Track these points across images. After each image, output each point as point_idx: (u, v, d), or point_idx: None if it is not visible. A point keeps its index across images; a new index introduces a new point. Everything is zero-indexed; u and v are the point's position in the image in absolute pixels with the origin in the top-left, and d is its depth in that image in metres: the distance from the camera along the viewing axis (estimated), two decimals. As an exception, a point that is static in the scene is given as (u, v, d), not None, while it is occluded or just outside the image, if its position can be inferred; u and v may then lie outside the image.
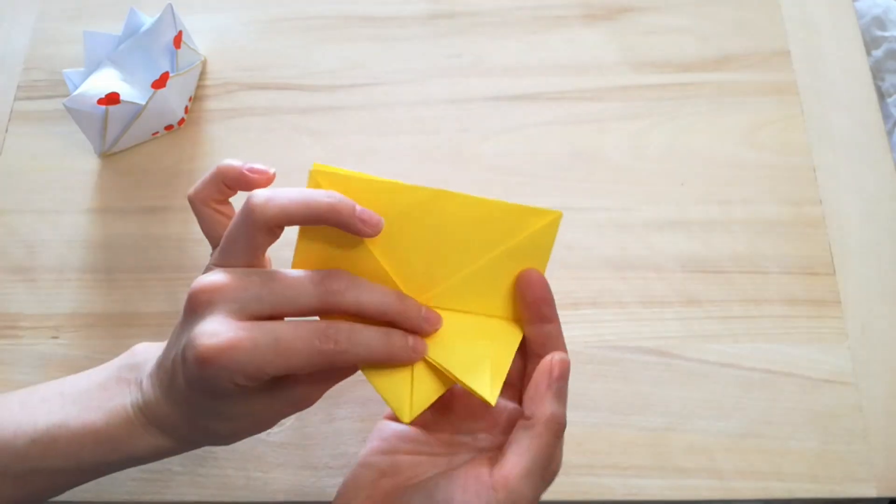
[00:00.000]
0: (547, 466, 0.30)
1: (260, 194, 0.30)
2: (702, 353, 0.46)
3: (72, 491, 0.44)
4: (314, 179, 0.32)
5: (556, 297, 0.35)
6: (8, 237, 0.52)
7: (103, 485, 0.44)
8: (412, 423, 0.34)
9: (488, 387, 0.32)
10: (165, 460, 0.44)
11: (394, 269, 0.33)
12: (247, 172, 0.33)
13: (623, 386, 0.45)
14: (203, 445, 0.35)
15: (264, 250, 0.31)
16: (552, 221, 0.34)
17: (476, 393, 0.32)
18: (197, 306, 0.30)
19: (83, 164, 0.54)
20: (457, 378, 0.32)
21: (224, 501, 0.44)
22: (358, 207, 0.30)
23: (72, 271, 0.50)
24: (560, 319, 0.34)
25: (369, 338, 0.31)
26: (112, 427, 0.32)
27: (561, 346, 0.34)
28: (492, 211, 0.33)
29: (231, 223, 0.31)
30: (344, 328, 0.30)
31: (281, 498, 0.44)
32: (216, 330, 0.29)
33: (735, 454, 0.43)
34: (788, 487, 0.43)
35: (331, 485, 0.44)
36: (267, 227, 0.30)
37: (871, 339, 0.46)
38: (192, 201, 0.34)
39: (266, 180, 0.33)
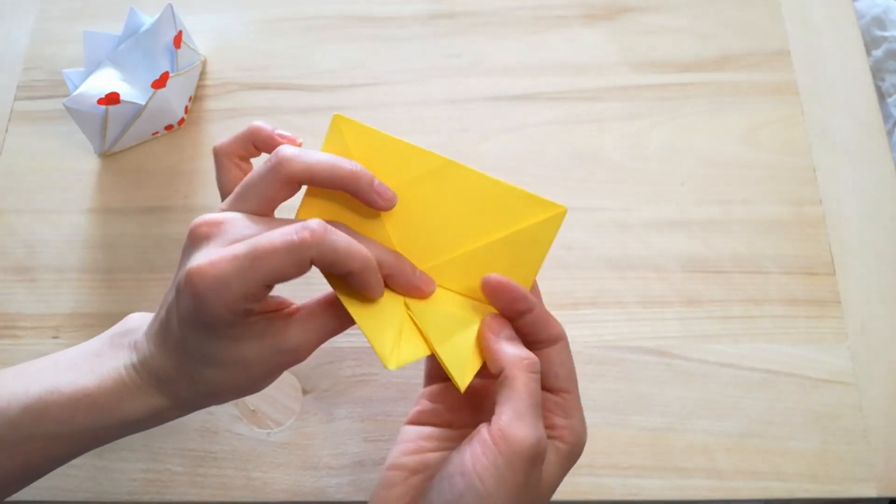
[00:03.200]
0: (536, 404, 0.30)
1: (289, 148, 0.31)
2: (702, 353, 0.46)
3: (72, 491, 0.44)
4: (336, 126, 0.33)
5: (555, 297, 0.35)
6: (8, 237, 0.52)
7: (103, 485, 0.44)
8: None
9: (461, 374, 0.33)
10: (165, 460, 0.45)
11: (395, 234, 0.34)
12: (276, 136, 0.35)
13: (623, 386, 0.45)
14: (198, 405, 0.34)
15: (277, 203, 0.32)
16: (556, 216, 0.34)
17: (451, 376, 0.32)
18: (195, 239, 0.31)
19: (83, 164, 0.54)
20: (437, 355, 0.33)
21: (224, 501, 0.44)
22: (376, 181, 0.32)
23: (72, 271, 0.50)
24: (555, 316, 0.34)
25: (363, 249, 0.32)
26: (104, 389, 0.32)
27: (551, 326, 0.34)
28: (500, 193, 0.33)
29: (252, 171, 0.32)
30: (324, 226, 0.30)
31: (281, 498, 0.44)
32: (207, 254, 0.29)
33: (735, 454, 0.43)
34: (788, 487, 0.43)
35: (331, 485, 0.44)
36: (289, 178, 0.31)
37: (871, 339, 0.46)
38: (217, 153, 0.36)
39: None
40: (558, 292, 0.47)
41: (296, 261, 0.29)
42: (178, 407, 0.33)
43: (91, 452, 0.45)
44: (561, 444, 0.32)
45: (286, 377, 0.46)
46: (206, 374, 0.32)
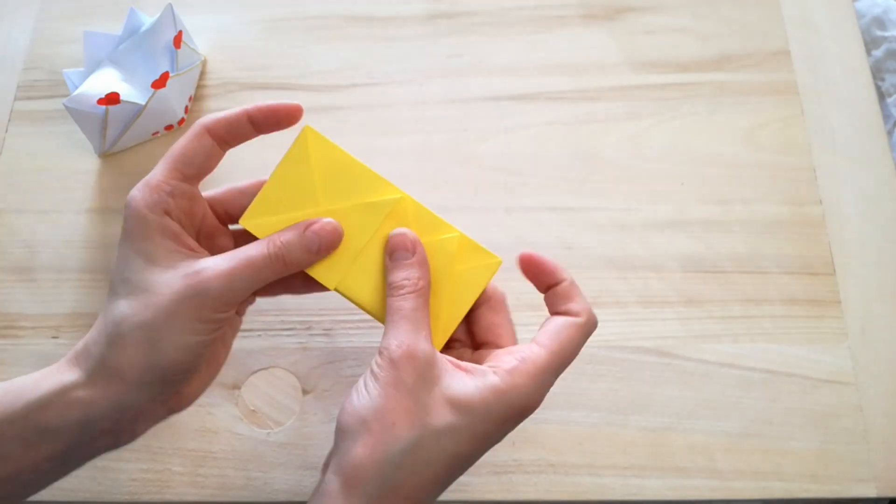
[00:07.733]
0: (404, 318, 0.34)
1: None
2: (702, 353, 0.46)
3: (72, 491, 0.44)
4: (303, 134, 0.35)
5: (556, 297, 0.35)
6: (8, 237, 0.52)
7: (103, 485, 0.44)
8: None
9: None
10: (165, 460, 0.45)
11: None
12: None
13: (623, 386, 0.45)
14: (106, 376, 0.32)
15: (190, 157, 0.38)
16: (489, 265, 0.36)
17: None
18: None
19: (83, 164, 0.53)
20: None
21: (224, 501, 0.44)
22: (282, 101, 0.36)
23: (72, 271, 0.50)
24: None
25: None
26: (26, 377, 0.33)
27: (571, 303, 0.35)
28: (442, 231, 0.35)
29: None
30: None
31: (281, 498, 0.44)
32: None
33: (735, 454, 0.43)
34: (788, 487, 0.43)
35: (331, 485, 0.44)
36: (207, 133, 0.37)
37: (871, 339, 0.46)
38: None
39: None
40: (558, 292, 0.47)
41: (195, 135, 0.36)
42: (86, 382, 0.32)
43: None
44: (492, 374, 0.32)
45: (286, 377, 0.46)
46: (116, 307, 0.33)
